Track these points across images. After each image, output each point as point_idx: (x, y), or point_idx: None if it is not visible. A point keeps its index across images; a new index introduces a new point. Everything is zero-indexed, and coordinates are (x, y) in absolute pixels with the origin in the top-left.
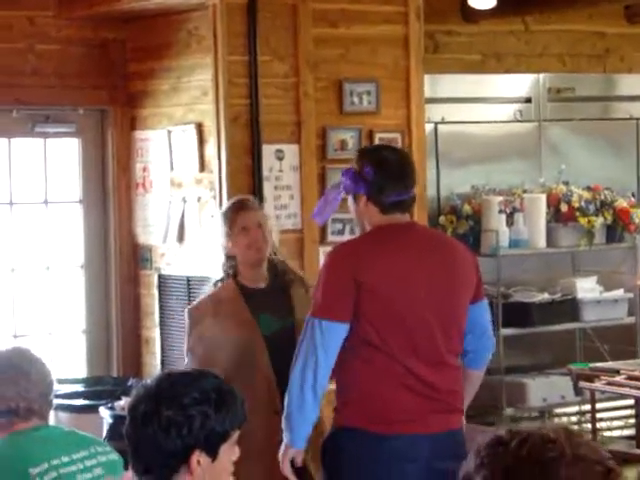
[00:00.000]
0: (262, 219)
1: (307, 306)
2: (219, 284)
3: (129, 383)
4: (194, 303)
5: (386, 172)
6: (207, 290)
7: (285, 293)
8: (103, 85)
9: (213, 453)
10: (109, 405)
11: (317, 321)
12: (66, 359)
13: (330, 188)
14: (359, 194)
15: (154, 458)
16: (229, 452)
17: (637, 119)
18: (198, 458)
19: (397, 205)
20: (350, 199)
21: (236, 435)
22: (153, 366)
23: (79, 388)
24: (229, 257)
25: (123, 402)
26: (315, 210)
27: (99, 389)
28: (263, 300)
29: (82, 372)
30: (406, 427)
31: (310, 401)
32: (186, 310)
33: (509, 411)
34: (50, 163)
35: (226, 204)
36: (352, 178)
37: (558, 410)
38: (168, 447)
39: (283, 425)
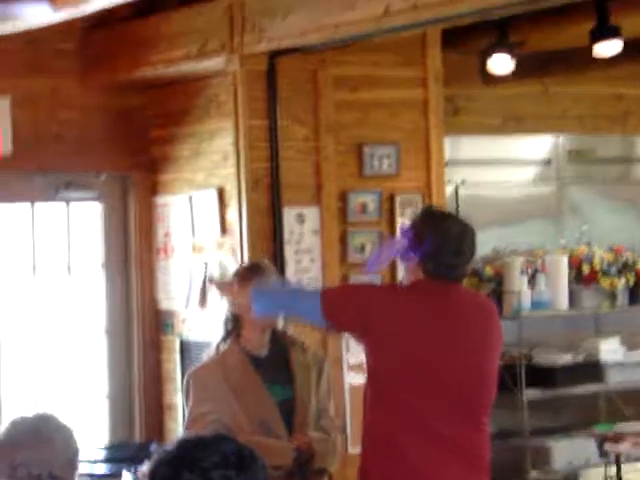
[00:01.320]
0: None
1: (307, 374)
2: (222, 346)
3: (151, 449)
4: (197, 366)
5: (444, 246)
6: (209, 353)
7: (285, 360)
8: (125, 151)
9: None
10: (132, 471)
11: (321, 296)
12: (89, 424)
13: (389, 242)
14: (412, 258)
15: None
16: None
17: None
18: None
19: (443, 277)
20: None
21: None
22: (175, 432)
23: (102, 454)
24: (234, 317)
25: (145, 468)
26: (369, 261)
27: (122, 455)
28: (269, 368)
29: (105, 438)
30: None
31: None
32: (188, 374)
33: (534, 474)
34: (73, 228)
35: (240, 265)
36: (410, 241)
37: (583, 472)
38: None
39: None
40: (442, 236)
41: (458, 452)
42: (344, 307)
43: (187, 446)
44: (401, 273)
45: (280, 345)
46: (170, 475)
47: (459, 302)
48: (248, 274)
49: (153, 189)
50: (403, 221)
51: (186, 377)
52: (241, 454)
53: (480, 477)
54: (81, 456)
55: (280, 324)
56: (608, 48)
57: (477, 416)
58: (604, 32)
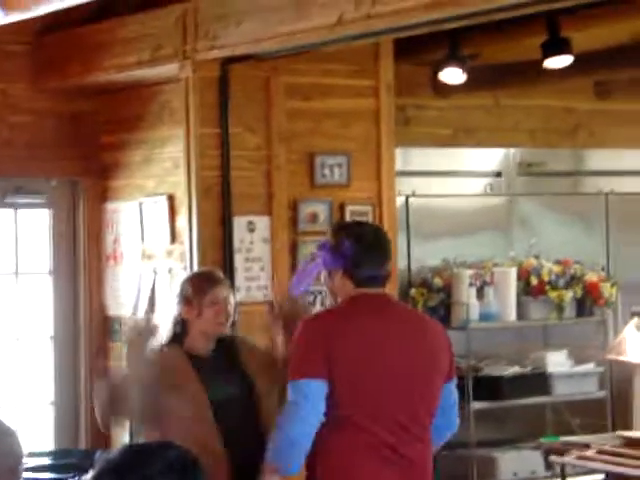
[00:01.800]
0: (229, 294)
1: (255, 360)
2: (164, 349)
3: (97, 456)
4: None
5: (363, 247)
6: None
7: (231, 360)
8: (75, 156)
9: None
10: (76, 478)
11: (292, 384)
12: (34, 431)
13: (306, 261)
14: (335, 268)
15: None
16: None
17: (606, 194)
18: None
19: (372, 280)
20: (324, 273)
21: None
22: (122, 439)
23: (46, 461)
24: (181, 321)
25: (89, 476)
26: (293, 282)
27: (66, 462)
28: (210, 368)
29: (50, 444)
30: None
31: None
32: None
33: None
34: (20, 234)
35: (193, 272)
36: (330, 252)
37: None
38: None
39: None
40: (359, 238)
41: (398, 463)
42: (315, 365)
43: (131, 453)
44: (326, 290)
45: (227, 347)
46: None
47: (393, 311)
48: (204, 284)
49: (103, 195)
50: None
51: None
52: (184, 461)
53: None
54: (26, 463)
55: (227, 330)
56: (559, 61)
57: (422, 430)
58: (555, 45)
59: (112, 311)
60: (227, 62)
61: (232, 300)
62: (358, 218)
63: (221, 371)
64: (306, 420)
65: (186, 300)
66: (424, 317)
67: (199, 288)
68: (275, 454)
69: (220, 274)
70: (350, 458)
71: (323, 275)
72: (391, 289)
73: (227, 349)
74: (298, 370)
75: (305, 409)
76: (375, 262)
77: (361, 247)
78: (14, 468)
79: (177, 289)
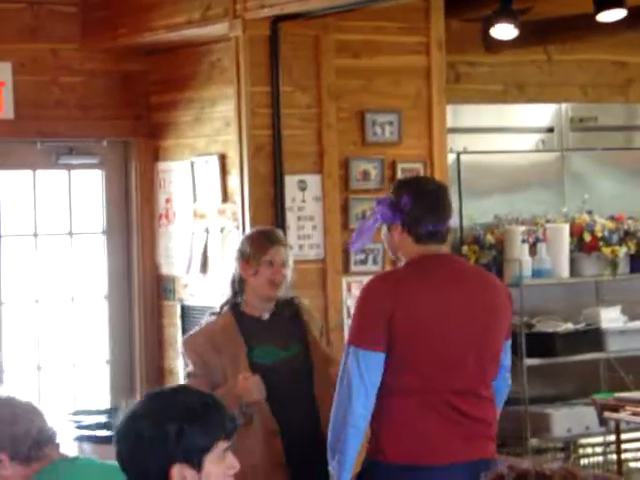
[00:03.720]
0: (288, 258)
1: (316, 330)
2: (224, 308)
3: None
4: (190, 333)
5: (423, 203)
6: (208, 317)
7: (292, 320)
8: (126, 117)
9: (197, 465)
10: None
11: (353, 349)
12: (90, 390)
13: (365, 218)
14: (394, 224)
15: (139, 476)
16: (217, 462)
17: None
18: (182, 472)
19: (432, 236)
20: (384, 228)
21: (223, 445)
22: None
23: (102, 419)
24: (241, 281)
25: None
26: (352, 238)
27: None
28: (264, 329)
29: (105, 403)
30: (445, 457)
31: (351, 432)
32: (182, 341)
33: (534, 442)
34: (74, 195)
35: (254, 230)
36: (389, 207)
37: (583, 441)
38: (148, 463)
39: (330, 457)
40: (418, 194)
41: (465, 419)
42: (375, 335)
43: (146, 401)
44: (386, 246)
45: (290, 311)
46: (127, 429)
47: (457, 273)
48: (263, 243)
49: (155, 155)
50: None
51: (181, 344)
52: (200, 404)
53: (489, 443)
54: (82, 421)
55: (279, 293)
56: (611, 15)
57: (481, 384)
58: None
59: (165, 270)
60: (277, 20)
61: (291, 262)
62: (409, 175)
63: (276, 334)
64: (363, 394)
65: (244, 257)
66: (487, 276)
67: (258, 246)
68: (333, 436)
69: (281, 235)
70: (414, 418)
71: (383, 231)
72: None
73: (289, 312)
74: (358, 337)
75: (363, 382)
76: (434, 217)
77: (420, 202)
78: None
79: (237, 245)
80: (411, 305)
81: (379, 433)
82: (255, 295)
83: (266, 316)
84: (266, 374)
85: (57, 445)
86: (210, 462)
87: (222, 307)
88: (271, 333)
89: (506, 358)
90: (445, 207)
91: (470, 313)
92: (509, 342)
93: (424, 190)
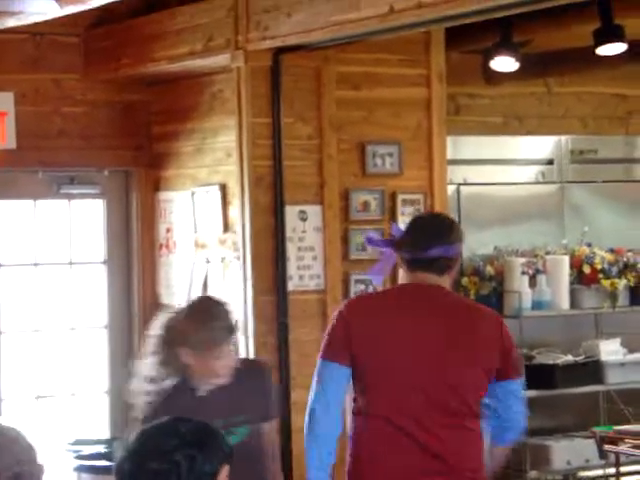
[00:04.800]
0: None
1: (263, 398)
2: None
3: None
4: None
5: (408, 229)
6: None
7: (240, 385)
8: (128, 147)
9: None
10: None
11: (319, 361)
12: (89, 420)
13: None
14: (397, 253)
15: None
16: None
17: None
18: None
19: (416, 262)
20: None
21: (225, 470)
22: None
23: (101, 449)
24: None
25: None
26: (374, 269)
27: None
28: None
29: (105, 433)
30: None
31: (309, 439)
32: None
33: (533, 474)
34: (75, 224)
35: (199, 315)
36: (382, 236)
37: (582, 474)
38: None
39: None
40: (409, 222)
41: (423, 451)
42: (337, 349)
43: (145, 436)
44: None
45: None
46: (135, 468)
47: (435, 302)
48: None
49: (156, 185)
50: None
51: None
52: (200, 431)
53: (453, 476)
54: (81, 450)
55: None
56: (611, 49)
57: (450, 419)
58: (608, 32)
59: (165, 300)
60: (278, 52)
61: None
62: (409, 207)
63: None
64: (321, 399)
65: (191, 346)
66: (473, 308)
67: (210, 338)
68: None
69: (233, 317)
70: (367, 447)
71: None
72: None
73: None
74: (323, 350)
75: (322, 388)
76: (416, 244)
77: (406, 229)
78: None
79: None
80: (366, 326)
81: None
82: (206, 379)
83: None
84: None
85: None
86: None
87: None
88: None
89: (507, 398)
90: (427, 233)
91: (432, 340)
92: (510, 382)
93: (416, 218)
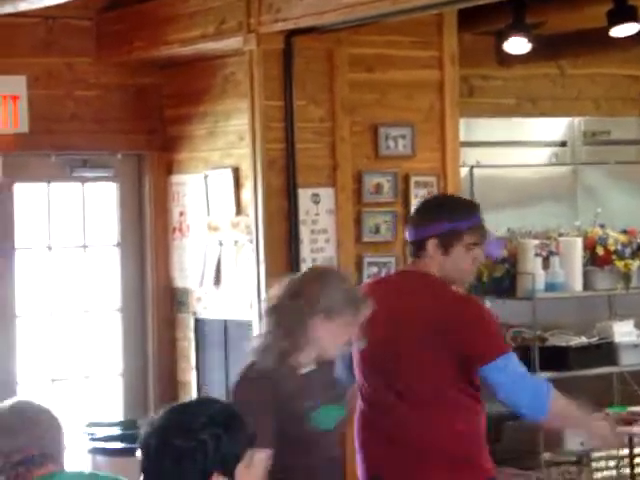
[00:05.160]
0: None
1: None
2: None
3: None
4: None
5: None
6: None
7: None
8: (140, 130)
9: (231, 475)
10: None
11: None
12: (103, 402)
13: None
14: None
15: None
16: (245, 472)
17: None
18: None
19: (410, 249)
20: None
21: (249, 454)
22: None
23: (116, 431)
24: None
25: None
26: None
27: (135, 432)
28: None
29: (119, 415)
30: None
31: None
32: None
33: (547, 456)
34: (88, 207)
35: (332, 279)
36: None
37: (596, 455)
38: (187, 476)
39: None
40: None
41: (387, 436)
42: None
43: (172, 414)
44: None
45: None
46: (161, 444)
47: (402, 289)
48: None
49: (168, 168)
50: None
51: None
52: (227, 412)
53: (418, 468)
54: (95, 433)
55: None
56: (625, 30)
57: (411, 399)
58: (621, 13)
59: (178, 283)
60: (290, 34)
61: None
62: (422, 189)
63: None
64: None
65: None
66: (435, 296)
67: (359, 305)
68: None
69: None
70: (356, 436)
71: None
72: None
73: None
74: None
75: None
76: (407, 230)
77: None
78: (57, 439)
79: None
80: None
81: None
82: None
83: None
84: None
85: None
86: (239, 472)
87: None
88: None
89: (488, 380)
90: (412, 218)
91: (391, 327)
92: (490, 366)
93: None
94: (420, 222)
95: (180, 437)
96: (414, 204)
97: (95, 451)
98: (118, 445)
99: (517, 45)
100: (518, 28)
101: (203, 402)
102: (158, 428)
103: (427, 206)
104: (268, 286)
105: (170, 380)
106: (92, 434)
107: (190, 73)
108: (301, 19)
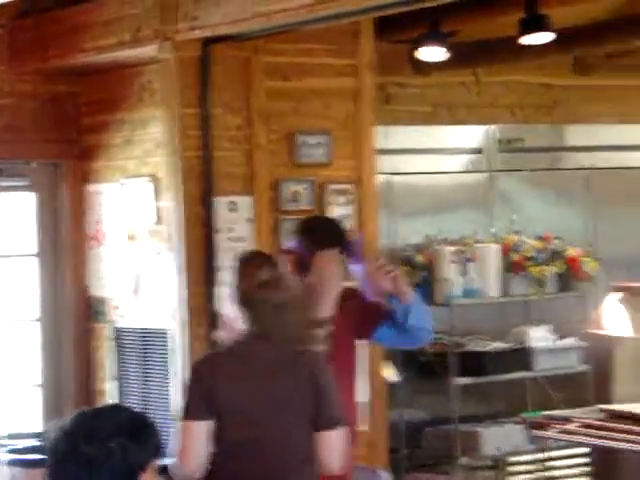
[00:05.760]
0: None
1: None
2: None
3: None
4: None
5: None
6: None
7: None
8: (56, 139)
9: None
10: None
11: None
12: (22, 413)
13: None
14: None
15: None
16: None
17: (586, 169)
18: None
19: None
20: None
21: (155, 464)
22: None
23: (34, 442)
24: None
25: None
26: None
27: None
28: None
29: (38, 426)
30: None
31: None
32: None
33: (464, 460)
34: (5, 217)
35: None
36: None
37: (512, 459)
38: None
39: None
40: None
41: None
42: None
43: (82, 419)
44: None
45: None
46: (68, 450)
47: None
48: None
49: (85, 177)
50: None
51: None
52: (136, 421)
53: None
54: (13, 444)
55: None
56: (537, 38)
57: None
58: (533, 22)
59: (95, 292)
60: (207, 42)
61: None
62: (339, 197)
63: None
64: None
65: None
66: None
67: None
68: None
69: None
70: None
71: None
72: None
73: None
74: None
75: None
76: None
77: None
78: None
79: None
80: None
81: None
82: None
83: None
84: None
85: None
86: None
87: None
88: None
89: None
90: None
91: None
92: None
93: None
94: None
95: (88, 444)
96: (330, 212)
97: (13, 462)
98: (36, 456)
99: (432, 53)
100: (433, 37)
101: (113, 409)
102: (67, 433)
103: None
104: (188, 294)
105: (88, 390)
106: (10, 445)
107: (107, 81)
108: (217, 27)
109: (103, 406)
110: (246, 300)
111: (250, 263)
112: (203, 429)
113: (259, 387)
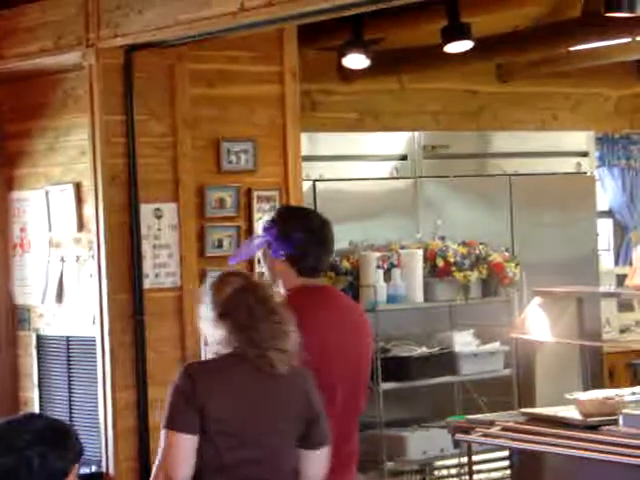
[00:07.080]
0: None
1: None
2: None
3: None
4: None
5: (313, 240)
6: None
7: None
8: None
9: None
10: None
11: None
12: None
13: (255, 238)
14: (279, 253)
15: None
16: None
17: (510, 175)
18: None
19: (313, 270)
20: (263, 251)
21: (76, 469)
22: None
23: None
24: None
25: None
26: (236, 253)
27: None
28: None
29: None
30: None
31: None
32: None
33: (390, 465)
34: None
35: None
36: (277, 238)
37: (438, 463)
38: None
39: None
40: (308, 230)
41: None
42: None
43: None
44: (262, 270)
45: None
46: None
47: (345, 308)
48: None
49: (8, 184)
50: (264, 219)
51: None
52: (53, 428)
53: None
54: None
55: None
56: (459, 46)
57: (356, 416)
58: (454, 31)
59: (20, 300)
60: (131, 49)
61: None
62: (265, 203)
63: None
64: None
65: None
66: (359, 309)
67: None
68: None
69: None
70: None
71: (261, 252)
72: None
73: None
74: None
75: None
76: (320, 255)
77: (311, 238)
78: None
79: None
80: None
81: None
82: None
83: None
84: None
85: None
86: None
87: None
88: None
89: None
90: (330, 245)
91: (354, 343)
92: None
93: (314, 227)
94: (333, 245)
95: (4, 455)
96: (257, 219)
97: None
98: None
99: (356, 61)
100: (356, 44)
101: (29, 418)
102: None
103: (332, 229)
104: (111, 301)
105: (12, 398)
106: None
107: (30, 88)
108: (140, 34)
109: (17, 416)
110: (226, 307)
111: (222, 280)
112: (191, 442)
113: (250, 405)
